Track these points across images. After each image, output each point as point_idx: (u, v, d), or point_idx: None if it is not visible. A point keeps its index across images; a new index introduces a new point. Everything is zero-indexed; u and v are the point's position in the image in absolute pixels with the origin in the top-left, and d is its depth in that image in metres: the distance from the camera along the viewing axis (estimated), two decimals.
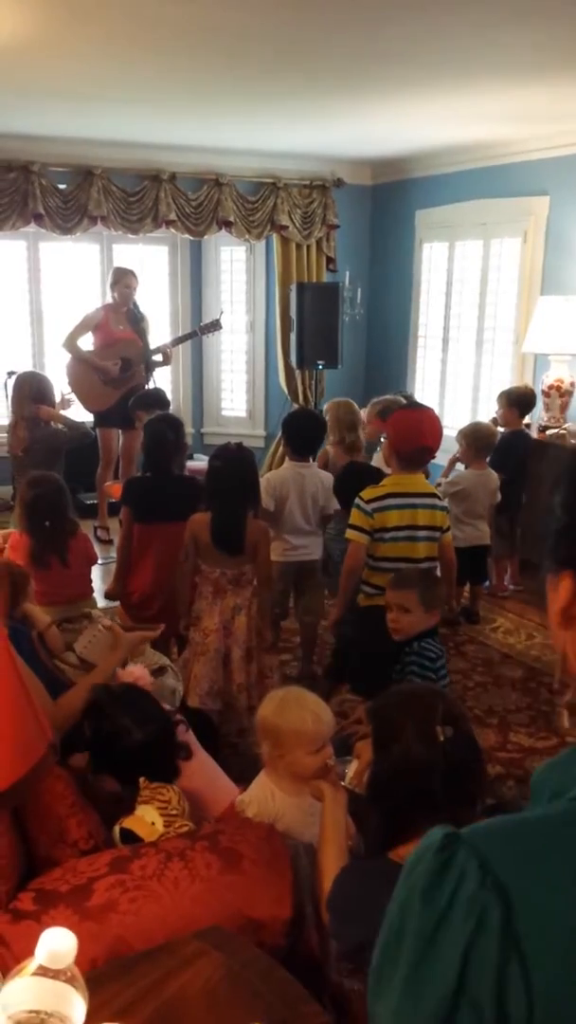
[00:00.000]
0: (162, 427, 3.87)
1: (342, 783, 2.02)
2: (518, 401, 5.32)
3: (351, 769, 2.11)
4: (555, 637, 0.70)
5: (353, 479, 3.73)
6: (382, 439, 3.87)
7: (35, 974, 1.19)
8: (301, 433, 4.11)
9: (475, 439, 4.84)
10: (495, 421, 5.40)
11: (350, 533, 3.28)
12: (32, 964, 1.20)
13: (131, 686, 2.41)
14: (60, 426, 4.98)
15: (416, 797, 1.59)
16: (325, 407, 5.03)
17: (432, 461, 3.76)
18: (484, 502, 4.78)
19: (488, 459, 4.88)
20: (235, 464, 3.31)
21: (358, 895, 1.63)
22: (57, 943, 1.19)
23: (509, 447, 5.12)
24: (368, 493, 3.29)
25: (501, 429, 5.27)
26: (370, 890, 1.62)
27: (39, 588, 3.43)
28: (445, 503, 3.49)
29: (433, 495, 3.37)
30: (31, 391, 4.92)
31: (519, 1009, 0.54)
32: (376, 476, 3.64)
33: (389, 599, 2.91)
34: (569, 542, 0.67)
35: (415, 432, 3.31)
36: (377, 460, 4.47)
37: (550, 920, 0.54)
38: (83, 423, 5.19)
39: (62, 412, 5.18)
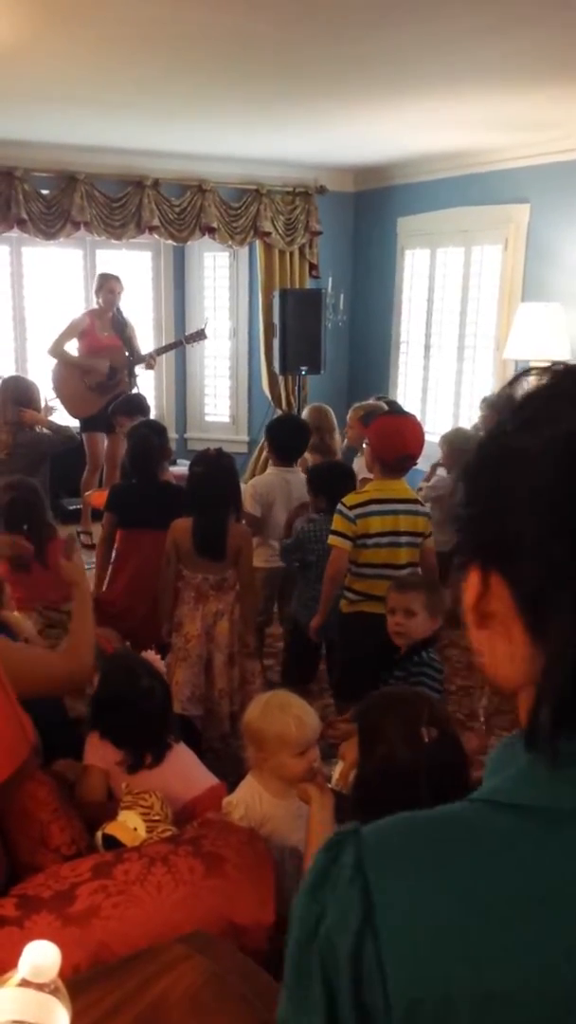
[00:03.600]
0: (147, 432, 3.88)
1: (328, 785, 2.02)
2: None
3: (337, 770, 2.11)
4: (472, 637, 0.66)
5: (324, 475, 3.76)
6: (364, 444, 3.87)
7: (18, 985, 1.18)
8: (286, 439, 4.11)
9: (456, 444, 4.87)
10: (477, 427, 5.42)
11: (333, 539, 3.27)
12: (15, 977, 1.20)
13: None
14: (44, 430, 4.95)
15: (401, 799, 1.59)
16: (304, 413, 5.04)
17: (414, 467, 3.77)
18: None
19: None
20: (216, 470, 3.31)
21: None
22: (40, 957, 1.19)
23: None
24: (351, 499, 3.29)
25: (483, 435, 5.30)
26: None
27: (20, 593, 3.41)
28: (427, 509, 3.50)
29: (415, 501, 3.38)
30: (14, 394, 4.90)
31: (375, 998, 0.56)
32: (349, 473, 3.82)
33: (392, 603, 2.87)
34: (473, 534, 0.65)
35: (398, 439, 3.31)
36: (358, 464, 4.48)
37: (407, 920, 0.57)
38: (68, 427, 5.16)
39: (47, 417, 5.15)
